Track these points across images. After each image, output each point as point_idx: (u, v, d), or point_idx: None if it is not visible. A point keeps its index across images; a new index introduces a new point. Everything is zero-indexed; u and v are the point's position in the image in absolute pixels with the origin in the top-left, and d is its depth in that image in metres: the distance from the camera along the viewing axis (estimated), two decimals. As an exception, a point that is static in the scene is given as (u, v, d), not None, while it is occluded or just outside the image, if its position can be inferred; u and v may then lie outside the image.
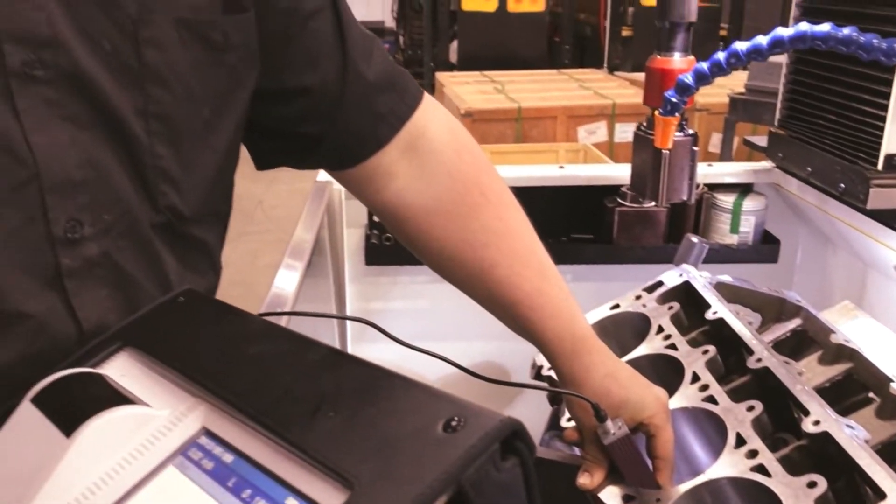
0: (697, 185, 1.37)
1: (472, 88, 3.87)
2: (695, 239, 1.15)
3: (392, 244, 1.40)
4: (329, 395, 0.37)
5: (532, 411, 0.87)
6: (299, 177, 1.38)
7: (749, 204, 1.37)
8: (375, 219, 1.46)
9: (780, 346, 0.97)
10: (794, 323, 1.00)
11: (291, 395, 0.38)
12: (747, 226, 1.37)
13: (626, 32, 5.16)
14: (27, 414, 0.45)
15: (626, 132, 3.68)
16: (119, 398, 0.43)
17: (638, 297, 1.02)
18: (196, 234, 0.60)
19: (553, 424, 1.02)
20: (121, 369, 0.49)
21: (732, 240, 1.38)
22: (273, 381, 0.39)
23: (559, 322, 0.75)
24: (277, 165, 0.73)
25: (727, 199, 1.38)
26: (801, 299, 1.02)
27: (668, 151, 1.11)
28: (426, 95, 0.73)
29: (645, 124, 1.17)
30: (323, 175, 1.37)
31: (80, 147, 0.50)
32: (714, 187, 1.42)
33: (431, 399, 0.34)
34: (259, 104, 0.63)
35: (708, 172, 1.41)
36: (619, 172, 1.40)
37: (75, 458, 0.40)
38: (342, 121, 0.67)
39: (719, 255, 1.35)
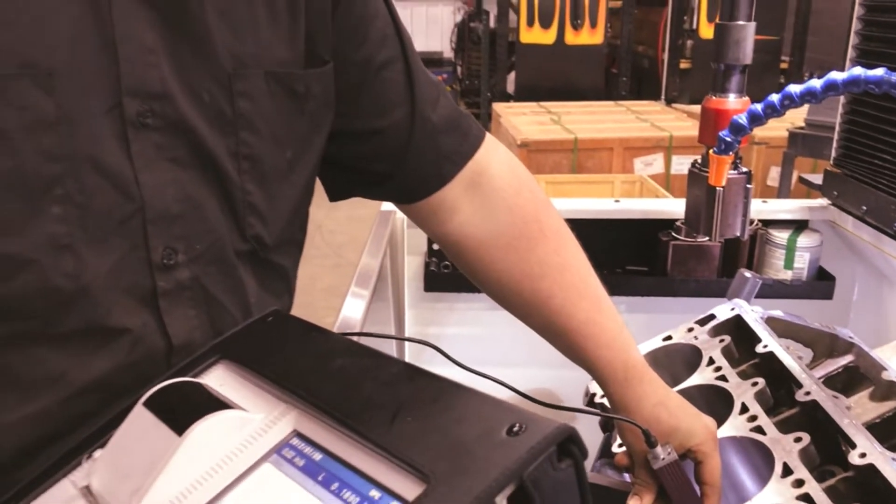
0: (752, 222, 1.40)
1: (528, 119, 3.93)
2: (748, 274, 1.17)
3: (450, 271, 1.45)
4: (406, 402, 0.42)
5: (583, 438, 0.90)
6: (359, 204, 1.44)
7: (804, 240, 1.39)
8: (435, 247, 1.53)
9: (831, 382, 0.99)
10: (847, 359, 1.01)
11: (373, 403, 0.43)
12: (801, 262, 1.38)
13: (684, 65, 5.17)
14: (140, 416, 0.51)
15: (682, 164, 3.69)
16: (221, 404, 0.49)
17: (690, 330, 1.05)
18: (275, 261, 0.67)
19: (604, 452, 1.05)
20: (219, 379, 0.56)
21: (786, 275, 1.39)
22: (356, 390, 0.45)
23: (612, 351, 0.80)
24: (349, 197, 0.79)
25: (782, 235, 1.40)
26: (854, 336, 1.03)
27: (721, 189, 1.15)
28: (488, 136, 0.79)
29: (700, 161, 1.21)
30: (387, 204, 1.44)
31: (179, 184, 0.57)
32: (769, 223, 1.44)
33: (496, 408, 0.39)
34: (335, 143, 0.70)
35: (763, 209, 1.43)
36: (674, 207, 1.43)
37: (185, 454, 0.46)
38: (410, 160, 0.73)
39: (773, 291, 1.37)
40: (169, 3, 0.53)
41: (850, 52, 1.25)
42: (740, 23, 1.14)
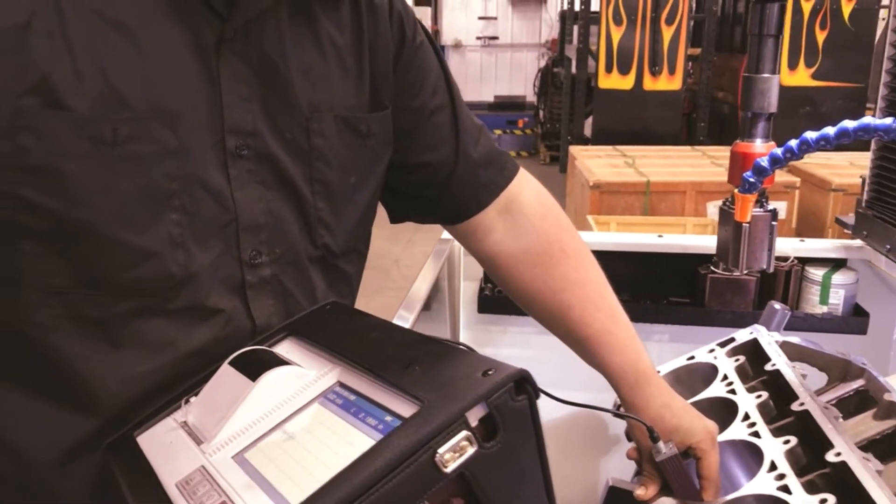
0: (787, 258, 1.48)
1: (602, 162, 4.03)
2: (777, 306, 1.27)
3: (503, 297, 1.60)
4: (417, 358, 0.57)
5: (629, 462, 1.02)
6: (432, 241, 1.60)
7: (839, 277, 1.47)
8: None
9: (843, 404, 1.08)
10: (858, 383, 1.10)
11: (393, 358, 0.58)
12: (836, 298, 1.46)
13: (764, 111, 5.14)
14: (226, 372, 0.68)
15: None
16: (284, 362, 0.65)
17: (711, 351, 1.16)
18: (341, 266, 0.83)
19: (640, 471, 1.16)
20: (285, 349, 0.72)
21: (821, 310, 1.47)
22: (383, 351, 0.60)
23: (624, 358, 0.92)
24: (405, 220, 0.95)
25: (817, 273, 1.48)
26: (867, 362, 1.11)
27: (747, 224, 1.25)
28: (521, 170, 0.94)
29: (729, 201, 1.32)
30: (446, 234, 1.60)
31: (265, 202, 0.73)
32: (808, 261, 1.52)
33: (477, 359, 0.53)
34: (392, 173, 0.86)
35: (800, 247, 1.52)
36: (713, 242, 1.53)
37: (256, 395, 0.62)
38: (453, 188, 0.89)
39: (807, 324, 1.45)
40: (262, 63, 0.71)
41: (880, 103, 1.34)
42: (765, 75, 1.25)
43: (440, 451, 0.47)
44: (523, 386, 0.50)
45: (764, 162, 1.18)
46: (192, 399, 0.68)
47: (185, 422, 0.67)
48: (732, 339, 1.16)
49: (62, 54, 0.60)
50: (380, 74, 0.80)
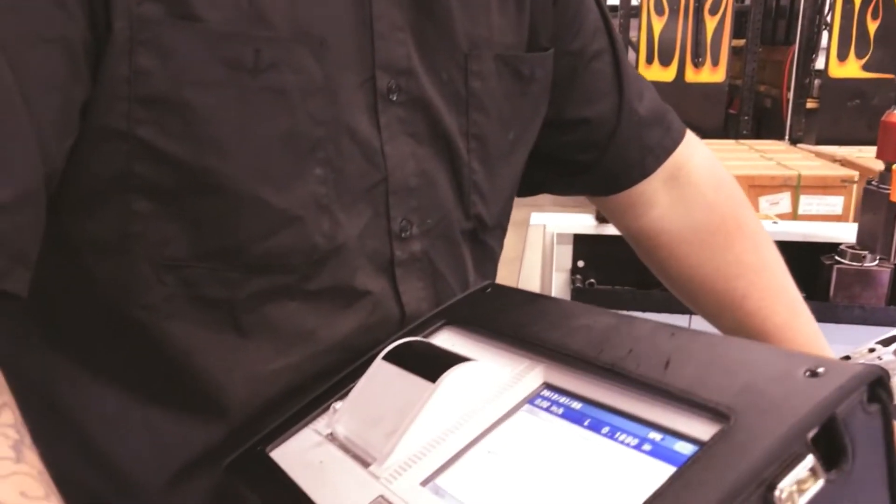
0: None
1: (649, 155, 3.88)
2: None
3: (594, 288, 1.45)
4: (675, 352, 0.42)
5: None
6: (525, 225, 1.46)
7: (981, 269, 1.30)
8: (579, 264, 1.52)
9: None
10: None
11: (636, 353, 0.43)
12: (980, 291, 1.30)
13: (810, 105, 5.00)
14: (383, 368, 0.53)
15: (811, 205, 3.54)
16: (464, 358, 0.50)
17: (872, 350, 1.01)
18: (490, 243, 0.68)
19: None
20: (447, 341, 0.57)
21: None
22: (610, 343, 0.45)
23: None
24: (542, 191, 0.80)
25: (956, 263, 1.32)
26: None
27: (903, 205, 1.10)
28: (688, 132, 0.79)
29: (877, 180, 1.16)
30: (536, 219, 1.45)
31: (417, 159, 0.60)
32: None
33: (781, 354, 0.38)
34: (542, 133, 0.71)
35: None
36: (836, 231, 1.38)
37: (439, 400, 0.47)
38: (613, 151, 0.74)
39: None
40: None
41: None
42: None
43: (781, 486, 0.33)
44: (876, 391, 0.35)
45: (929, 132, 1.02)
46: (339, 405, 0.53)
47: (331, 434, 0.52)
48: (896, 337, 1.00)
49: None
50: (538, 8, 0.66)
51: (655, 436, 0.39)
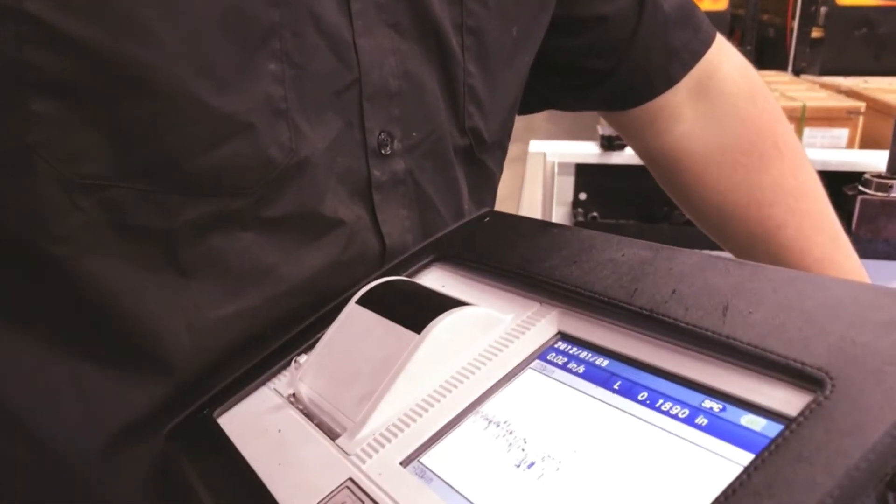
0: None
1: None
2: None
3: (596, 223, 1.35)
4: (735, 294, 0.32)
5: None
6: (520, 161, 1.35)
7: None
8: (581, 197, 1.42)
9: None
10: None
11: (681, 296, 0.33)
12: None
13: (816, 34, 4.82)
14: (357, 315, 0.43)
15: (815, 137, 3.43)
16: (458, 301, 0.40)
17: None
18: (488, 164, 0.58)
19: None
20: (438, 280, 0.47)
21: None
22: (647, 282, 0.35)
23: None
24: (547, 107, 0.69)
25: None
26: None
27: (942, 128, 0.99)
28: (718, 34, 0.67)
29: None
30: (539, 146, 1.34)
31: (398, 56, 0.48)
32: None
33: (883, 294, 0.29)
34: (549, 35, 0.60)
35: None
36: (860, 158, 1.28)
37: (426, 354, 0.38)
38: (634, 55, 0.62)
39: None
40: None
41: None
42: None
43: (907, 480, 0.23)
44: None
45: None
46: (303, 359, 0.44)
47: (293, 395, 0.42)
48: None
49: None
50: None
51: (713, 405, 0.29)
